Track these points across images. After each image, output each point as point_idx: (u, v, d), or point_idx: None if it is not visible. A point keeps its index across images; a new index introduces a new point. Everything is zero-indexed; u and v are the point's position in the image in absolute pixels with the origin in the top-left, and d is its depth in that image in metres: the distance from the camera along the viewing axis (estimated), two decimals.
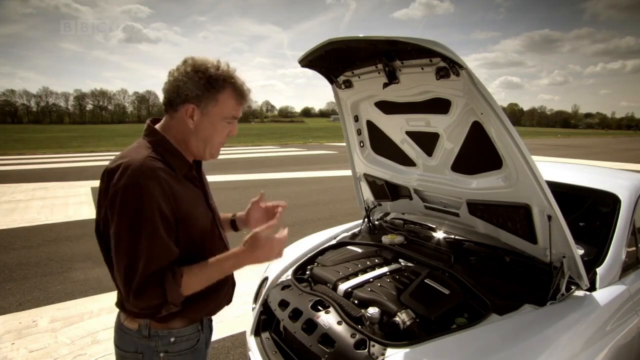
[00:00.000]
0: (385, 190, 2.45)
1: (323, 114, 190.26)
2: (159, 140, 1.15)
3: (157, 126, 1.19)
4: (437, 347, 1.37)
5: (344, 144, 2.46)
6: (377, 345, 1.41)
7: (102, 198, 1.09)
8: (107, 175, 1.07)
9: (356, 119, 2.28)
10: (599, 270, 1.76)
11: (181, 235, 1.11)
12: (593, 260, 1.84)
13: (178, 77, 1.11)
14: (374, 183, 2.49)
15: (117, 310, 1.24)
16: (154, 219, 1.02)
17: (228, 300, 1.38)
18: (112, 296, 2.21)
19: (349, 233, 2.65)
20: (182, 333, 1.20)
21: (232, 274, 1.38)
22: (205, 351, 1.32)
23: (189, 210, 1.14)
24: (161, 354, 1.18)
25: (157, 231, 1.03)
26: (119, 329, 1.22)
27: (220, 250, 1.25)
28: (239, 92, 1.16)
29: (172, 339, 1.18)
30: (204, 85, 1.10)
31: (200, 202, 1.23)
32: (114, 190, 1.02)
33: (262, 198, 1.48)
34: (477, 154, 1.77)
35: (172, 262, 1.07)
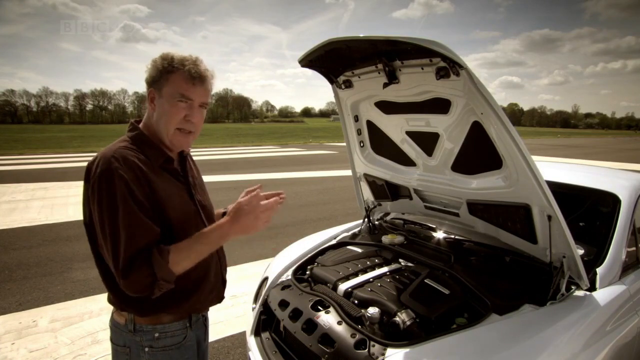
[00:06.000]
0: (385, 190, 2.45)
1: (323, 114, 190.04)
2: (136, 133, 1.22)
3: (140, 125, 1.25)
4: (437, 347, 1.37)
5: (344, 144, 2.46)
6: (377, 345, 1.41)
7: (86, 192, 1.14)
8: (88, 170, 1.13)
9: (356, 119, 2.28)
10: (599, 270, 1.76)
11: (156, 223, 1.12)
12: (593, 260, 1.84)
13: (148, 67, 1.19)
14: (374, 183, 2.49)
15: None
16: (127, 200, 1.05)
17: (217, 298, 1.37)
18: None
19: (349, 233, 2.65)
20: (167, 329, 1.21)
21: (223, 273, 1.39)
22: (196, 349, 1.30)
23: (165, 199, 1.15)
24: (146, 349, 1.19)
25: (133, 211, 1.06)
26: (112, 323, 1.25)
27: None
28: (192, 72, 1.16)
29: (157, 335, 1.19)
30: (159, 69, 1.16)
31: (181, 194, 1.24)
32: (92, 181, 1.08)
33: (260, 189, 1.43)
34: (477, 154, 1.76)
35: (155, 241, 1.08)
